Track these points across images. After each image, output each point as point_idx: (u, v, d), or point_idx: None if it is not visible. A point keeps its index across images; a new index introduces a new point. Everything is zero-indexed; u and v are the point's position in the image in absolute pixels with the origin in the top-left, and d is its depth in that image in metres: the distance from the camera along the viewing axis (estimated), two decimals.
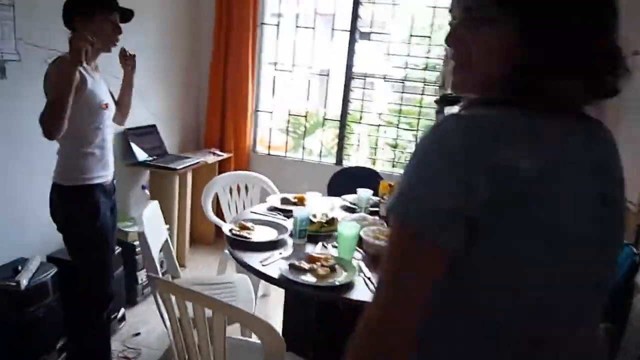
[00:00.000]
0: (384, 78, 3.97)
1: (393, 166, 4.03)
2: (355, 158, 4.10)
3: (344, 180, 3.38)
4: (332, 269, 1.79)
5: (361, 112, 4.05)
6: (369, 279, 1.77)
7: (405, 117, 4.02)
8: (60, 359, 2.36)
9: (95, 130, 2.06)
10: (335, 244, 2.08)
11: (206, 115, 4.11)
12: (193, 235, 3.76)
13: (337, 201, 2.78)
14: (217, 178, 2.92)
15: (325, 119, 4.24)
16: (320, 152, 4.18)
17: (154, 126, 3.61)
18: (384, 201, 2.32)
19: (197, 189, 3.59)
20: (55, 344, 2.32)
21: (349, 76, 3.94)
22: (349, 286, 1.69)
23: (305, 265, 1.79)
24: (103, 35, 1.99)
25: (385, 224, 2.24)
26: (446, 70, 3.02)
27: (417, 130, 3.95)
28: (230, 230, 2.08)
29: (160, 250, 2.35)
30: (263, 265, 1.82)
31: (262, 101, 4.25)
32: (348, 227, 1.91)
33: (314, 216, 2.26)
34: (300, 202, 2.61)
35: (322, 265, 1.79)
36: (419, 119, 3.91)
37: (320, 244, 2.08)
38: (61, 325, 2.33)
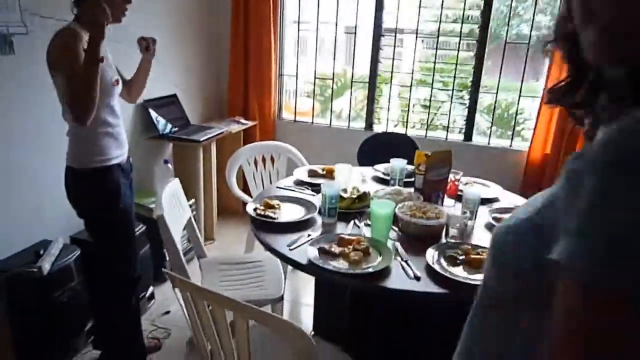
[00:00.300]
0: (416, 33, 3.67)
1: (427, 129, 3.78)
2: (386, 122, 3.87)
3: (376, 148, 3.18)
4: (366, 253, 1.63)
5: (392, 72, 3.78)
6: (406, 262, 1.60)
7: (439, 75, 3.73)
8: (89, 342, 2.32)
9: (108, 109, 1.92)
10: (368, 222, 1.91)
11: (228, 81, 3.93)
12: (221, 207, 3.66)
13: (369, 171, 2.59)
14: (241, 150, 2.77)
15: (353, 81, 4.00)
16: (349, 116, 3.95)
17: (174, 96, 3.46)
18: (420, 171, 2.12)
19: (223, 160, 3.46)
20: (83, 327, 2.28)
21: (377, 33, 3.66)
22: (384, 273, 1.53)
23: (336, 249, 1.63)
24: (113, 5, 1.82)
25: (421, 197, 2.06)
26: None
27: (453, 89, 3.67)
28: (255, 210, 1.94)
29: (184, 229, 2.24)
30: (290, 250, 1.67)
31: (286, 64, 4.03)
32: (382, 206, 1.73)
33: (344, 191, 2.09)
34: (329, 174, 2.44)
35: (355, 249, 1.63)
36: (454, 77, 3.62)
37: (352, 222, 1.92)
38: (87, 308, 2.27)
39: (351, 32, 3.94)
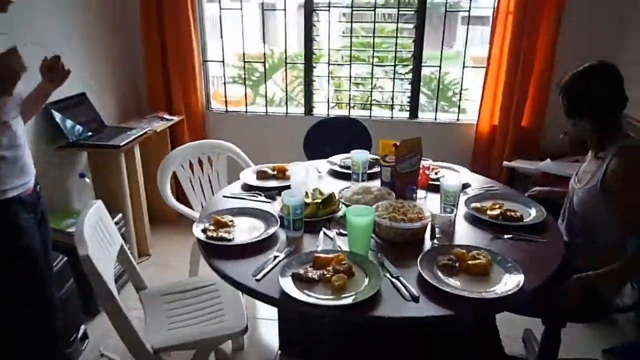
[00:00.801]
0: (351, 7, 3.39)
1: (370, 109, 3.55)
2: (327, 105, 3.59)
3: (323, 136, 2.91)
4: (349, 273, 1.36)
5: (328, 49, 3.49)
6: (397, 278, 1.36)
7: (372, 49, 3.49)
8: None
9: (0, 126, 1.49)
10: (341, 230, 1.64)
11: (145, 73, 3.45)
12: (153, 216, 3.24)
13: (323, 165, 2.31)
14: (172, 154, 2.38)
15: (286, 62, 3.66)
16: (287, 101, 3.63)
17: (83, 95, 2.96)
18: (387, 163, 1.88)
19: (149, 163, 3.04)
20: None
21: (309, 8, 3.34)
22: (375, 297, 1.27)
23: (314, 274, 1.35)
24: None
25: (393, 194, 1.81)
26: None
27: (395, 63, 3.45)
28: (204, 232, 1.60)
29: (118, 258, 1.86)
30: (257, 280, 1.37)
31: (209, 48, 3.61)
32: (358, 212, 1.46)
33: (305, 195, 1.80)
34: (281, 174, 2.14)
35: (336, 270, 1.36)
36: (395, 50, 3.40)
37: (321, 233, 1.64)
38: None
39: (274, 9, 3.60)
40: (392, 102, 3.50)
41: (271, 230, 1.61)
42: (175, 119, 3.38)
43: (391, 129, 3.42)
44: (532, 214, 1.77)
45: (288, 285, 1.31)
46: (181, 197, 2.59)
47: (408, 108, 3.48)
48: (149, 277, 2.03)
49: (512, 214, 1.71)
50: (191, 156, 2.47)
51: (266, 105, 3.64)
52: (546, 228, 1.68)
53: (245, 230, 1.64)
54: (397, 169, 1.81)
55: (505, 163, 3.05)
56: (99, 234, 1.66)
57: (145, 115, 3.39)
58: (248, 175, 2.14)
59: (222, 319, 1.76)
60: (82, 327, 2.32)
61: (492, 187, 2.06)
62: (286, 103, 3.63)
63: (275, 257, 1.48)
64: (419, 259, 1.41)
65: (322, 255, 1.42)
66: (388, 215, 1.59)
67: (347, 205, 1.77)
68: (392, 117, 3.48)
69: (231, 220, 1.67)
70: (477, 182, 2.12)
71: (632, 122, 2.46)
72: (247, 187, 2.04)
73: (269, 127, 3.58)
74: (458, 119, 3.43)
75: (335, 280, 1.31)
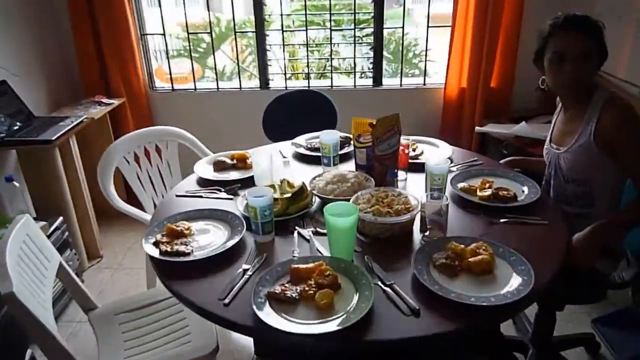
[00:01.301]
0: None
1: (331, 78, 3.29)
2: (284, 77, 3.30)
3: (284, 113, 2.65)
4: (335, 285, 1.15)
5: (281, 15, 3.17)
6: (391, 286, 1.16)
7: (334, 13, 3.21)
8: None
9: None
10: (318, 229, 1.42)
11: (76, 52, 3.05)
12: (101, 213, 2.91)
13: (287, 148, 2.07)
14: (111, 149, 2.05)
15: (235, 31, 3.33)
16: (239, 75, 3.31)
17: (3, 83, 2.56)
18: (362, 144, 1.65)
19: (90, 156, 2.70)
20: None
21: None
22: (369, 316, 1.07)
23: (294, 291, 1.13)
24: None
25: (371, 180, 1.60)
26: None
27: (355, 26, 3.18)
28: (157, 245, 1.34)
29: (58, 277, 1.58)
30: (225, 305, 1.14)
31: (147, 20, 3.22)
32: (339, 210, 1.24)
33: (272, 188, 1.56)
34: (242, 162, 1.88)
35: (319, 285, 1.14)
36: (354, 12, 3.13)
37: (295, 234, 1.41)
38: None
39: None
40: (354, 69, 3.25)
41: (236, 237, 1.37)
42: (115, 102, 3.02)
43: (355, 98, 3.19)
44: (525, 191, 1.60)
45: (264, 310, 1.09)
46: (132, 194, 2.29)
47: (371, 75, 3.24)
48: (101, 284, 1.77)
49: (505, 193, 1.54)
50: (135, 147, 2.16)
51: (217, 80, 3.31)
52: (543, 206, 1.52)
53: (206, 240, 1.39)
54: (375, 151, 1.59)
55: (477, 128, 2.89)
56: (27, 258, 1.38)
57: (81, 101, 3.01)
58: (203, 167, 1.87)
59: (188, 339, 1.53)
60: (29, 352, 2.04)
61: (475, 161, 1.87)
62: (239, 75, 3.31)
63: (245, 270, 1.25)
64: (412, 260, 1.22)
65: (300, 265, 1.20)
66: (371, 209, 1.38)
67: (320, 198, 1.55)
68: (355, 86, 3.24)
69: (188, 228, 1.42)
70: (459, 156, 1.93)
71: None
72: (204, 182, 1.78)
73: (223, 105, 3.27)
74: (424, 84, 3.23)
75: (321, 299, 1.10)
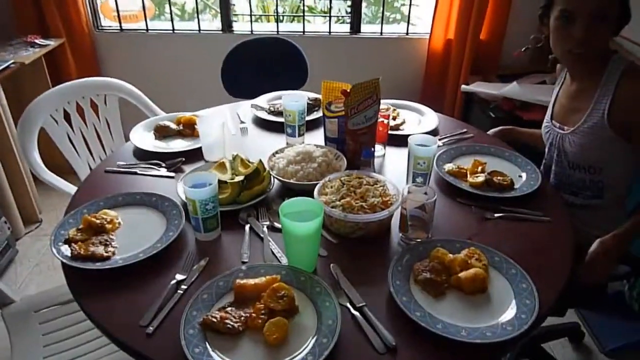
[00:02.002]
0: None
1: (303, 22, 2.91)
2: (249, 18, 2.90)
3: (247, 63, 2.30)
4: (291, 310, 0.90)
5: None
6: (360, 311, 0.92)
7: None
8: None
9: None
10: (275, 223, 1.16)
11: None
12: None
13: (247, 110, 1.76)
14: (33, 105, 1.68)
15: None
16: (197, 13, 2.89)
17: None
18: (333, 114, 1.36)
19: (22, 106, 2.31)
20: None
21: None
22: (334, 354, 0.83)
23: (235, 319, 0.88)
24: None
25: (342, 157, 1.33)
26: None
27: None
28: (69, 244, 1.06)
29: None
30: (149, 335, 0.88)
31: None
32: (300, 216, 0.98)
33: (220, 167, 1.28)
34: (188, 127, 1.57)
35: (269, 308, 0.89)
36: None
37: (247, 229, 1.14)
38: None
39: None
40: (329, 12, 2.87)
41: (173, 233, 1.09)
42: (52, 43, 2.60)
43: (330, 47, 2.84)
44: (522, 177, 1.36)
45: (195, 345, 0.83)
46: (59, 168, 1.92)
47: (349, 20, 2.88)
48: (38, 254, 1.48)
49: (500, 179, 1.29)
50: (65, 103, 1.81)
51: (171, 19, 2.88)
52: (543, 197, 1.28)
53: (134, 237, 1.11)
54: (347, 125, 1.30)
55: (463, 87, 2.60)
56: None
57: (10, 42, 2.58)
58: (141, 134, 1.56)
59: None
60: None
61: (465, 132, 1.61)
62: (197, 14, 2.89)
63: (179, 283, 0.99)
64: (389, 273, 0.98)
65: (248, 281, 0.94)
66: (341, 202, 1.11)
67: (280, 182, 1.28)
68: (330, 32, 2.88)
69: (111, 221, 1.13)
70: (445, 126, 1.66)
71: None
72: (141, 154, 1.47)
73: (178, 50, 2.88)
74: (407, 33, 2.89)
75: (270, 333, 0.85)
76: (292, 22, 3.17)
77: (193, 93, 2.90)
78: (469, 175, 1.32)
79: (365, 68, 2.83)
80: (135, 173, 1.38)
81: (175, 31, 2.87)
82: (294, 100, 1.46)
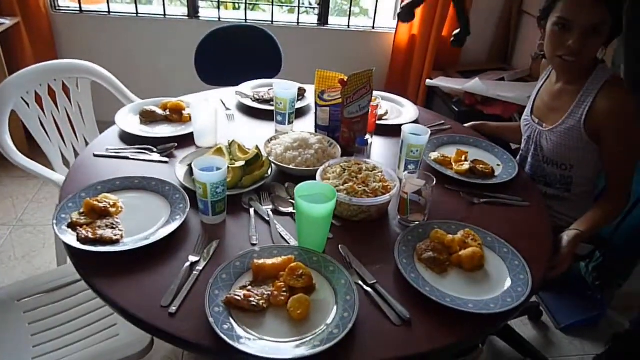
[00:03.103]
0: None
1: (271, 12, 2.91)
2: (217, 3, 2.87)
3: (221, 51, 2.29)
4: (310, 287, 0.95)
5: None
6: (373, 287, 0.98)
7: None
8: None
9: None
10: (278, 207, 1.19)
11: None
12: None
13: (230, 98, 1.76)
14: (4, 86, 1.60)
15: None
16: None
17: None
18: (325, 102, 1.41)
19: None
20: None
21: None
22: (354, 329, 0.89)
23: (259, 297, 0.91)
24: None
25: (336, 146, 1.38)
26: None
27: None
28: (73, 228, 1.04)
29: None
30: (172, 314, 0.89)
31: None
32: (313, 199, 1.02)
33: (219, 152, 1.30)
34: (176, 113, 1.56)
35: (289, 285, 0.93)
36: None
37: (252, 213, 1.17)
38: None
39: None
40: (298, 2, 2.90)
41: (179, 218, 1.10)
42: (7, 22, 2.45)
43: (298, 37, 2.87)
44: (500, 165, 1.46)
45: (222, 322, 0.86)
46: (35, 143, 1.84)
47: (317, 12, 2.91)
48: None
49: (483, 167, 1.39)
50: (36, 85, 1.73)
51: (135, 3, 2.80)
52: (521, 184, 1.40)
53: (138, 220, 1.11)
54: (343, 114, 1.35)
55: (428, 81, 2.72)
56: None
57: None
58: (126, 118, 1.53)
59: (116, 331, 1.27)
60: None
61: (443, 124, 1.71)
62: (163, 1, 2.82)
63: (193, 264, 1.00)
64: (395, 252, 1.04)
65: (265, 261, 0.98)
66: (345, 187, 1.16)
67: (278, 168, 1.31)
68: (298, 23, 2.90)
69: (114, 204, 1.12)
70: (424, 118, 1.75)
71: None
72: (129, 138, 1.45)
73: (143, 35, 2.80)
74: (374, 27, 2.97)
75: (295, 309, 0.89)
76: (253, 10, 3.15)
77: (159, 79, 2.84)
78: (454, 164, 1.41)
79: (332, 59, 2.88)
80: (127, 158, 1.36)
81: (139, 15, 2.79)
82: (284, 88, 1.49)
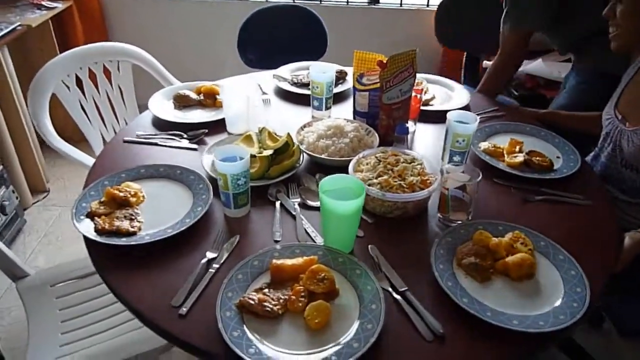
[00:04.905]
0: None
1: None
2: None
3: (264, 32, 2.21)
4: (332, 293, 0.86)
5: None
6: (402, 295, 0.87)
7: None
8: None
9: None
10: (307, 201, 1.10)
11: None
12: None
13: (267, 81, 1.68)
14: (44, 70, 1.59)
15: None
16: None
17: None
18: (364, 86, 1.29)
19: (28, 71, 2.22)
20: None
21: None
22: (378, 342, 0.79)
23: (275, 301, 0.83)
24: None
25: (374, 134, 1.26)
26: None
27: None
28: (92, 217, 1.01)
29: None
30: (182, 315, 0.83)
31: None
32: (340, 194, 0.92)
33: (247, 140, 1.22)
34: (209, 98, 1.51)
35: (309, 290, 0.85)
36: None
37: (277, 206, 1.09)
38: None
39: None
40: None
41: (200, 210, 1.04)
42: (60, 5, 2.49)
43: (347, 18, 2.74)
44: (559, 157, 1.30)
45: (234, 328, 0.79)
46: (72, 137, 1.85)
47: None
48: (47, 225, 1.44)
49: (539, 160, 1.24)
50: (77, 69, 1.73)
51: None
52: (584, 180, 1.23)
53: (159, 211, 1.06)
54: (381, 99, 1.24)
55: (485, 62, 2.52)
56: None
57: (16, 3, 2.47)
58: (160, 103, 1.49)
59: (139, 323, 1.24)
60: None
61: (496, 111, 1.55)
62: None
63: (210, 261, 0.94)
64: (432, 255, 0.93)
65: (285, 261, 0.89)
66: (379, 180, 1.05)
67: (310, 157, 1.22)
68: (347, 2, 2.77)
69: (135, 194, 1.07)
70: (476, 104, 1.59)
71: None
72: (161, 124, 1.41)
73: (191, 16, 2.78)
74: (428, 5, 2.78)
75: (313, 317, 0.81)
76: None
77: (205, 61, 2.82)
78: (506, 155, 1.26)
79: (383, 40, 2.73)
80: (156, 144, 1.31)
81: None
82: (321, 71, 1.39)
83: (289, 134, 1.22)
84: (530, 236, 0.99)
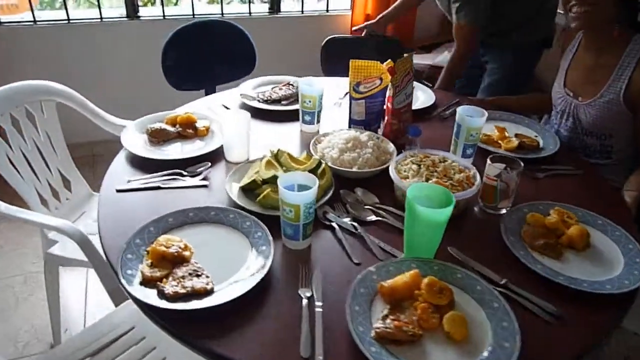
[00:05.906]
0: None
1: (221, 2, 2.69)
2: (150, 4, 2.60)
3: (186, 52, 2.07)
4: (452, 302, 0.85)
5: None
6: (505, 286, 0.91)
7: None
8: None
9: None
10: (362, 216, 1.07)
11: None
12: None
13: (232, 100, 1.58)
14: None
15: None
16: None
17: None
18: (361, 94, 1.29)
19: None
20: None
21: None
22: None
23: (409, 323, 0.80)
24: None
25: (387, 140, 1.28)
26: None
27: None
28: (149, 284, 0.86)
29: None
30: None
31: None
32: (429, 199, 0.92)
33: (269, 165, 1.15)
34: (188, 129, 1.36)
35: (432, 304, 0.83)
36: None
37: (337, 229, 1.04)
38: None
39: None
40: None
41: (265, 249, 0.94)
42: None
43: (250, 28, 2.68)
44: (538, 136, 1.45)
45: None
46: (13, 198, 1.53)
47: (267, 0, 2.74)
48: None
49: (528, 141, 1.37)
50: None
51: (65, 7, 2.44)
52: (564, 154, 1.39)
53: (217, 258, 0.94)
54: (393, 105, 1.25)
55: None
56: None
57: None
58: (134, 141, 1.31)
59: None
60: None
61: (459, 102, 1.66)
62: (98, 2, 2.49)
63: (309, 299, 0.87)
64: (510, 247, 0.98)
65: (394, 282, 0.86)
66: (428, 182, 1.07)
67: (338, 172, 1.18)
68: (250, 13, 2.71)
69: (185, 247, 0.94)
70: (440, 98, 1.69)
71: None
72: (146, 165, 1.23)
73: (78, 45, 2.46)
74: (327, 10, 2.86)
75: (453, 329, 0.79)
76: (176, 5, 2.90)
77: (109, 92, 2.53)
78: (501, 141, 1.37)
79: (287, 48, 2.74)
80: (159, 187, 1.15)
81: (71, 21, 2.44)
82: (311, 85, 1.35)
83: (309, 152, 1.17)
84: (570, 210, 1.09)
